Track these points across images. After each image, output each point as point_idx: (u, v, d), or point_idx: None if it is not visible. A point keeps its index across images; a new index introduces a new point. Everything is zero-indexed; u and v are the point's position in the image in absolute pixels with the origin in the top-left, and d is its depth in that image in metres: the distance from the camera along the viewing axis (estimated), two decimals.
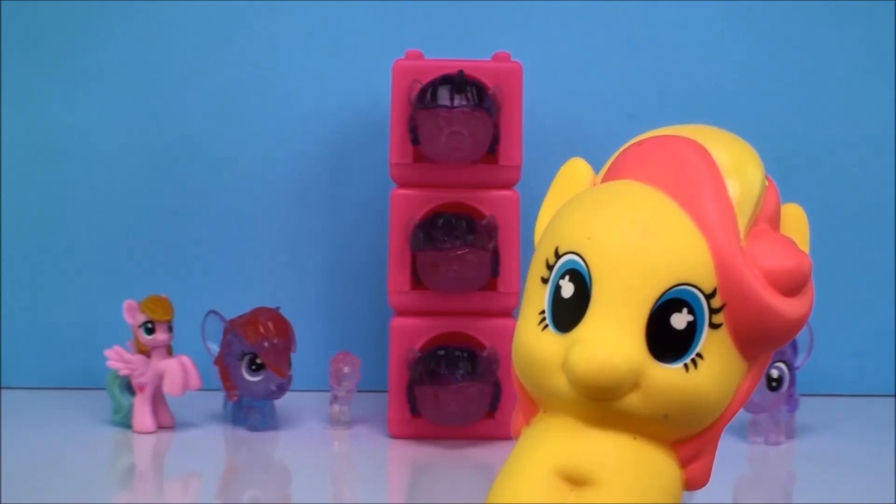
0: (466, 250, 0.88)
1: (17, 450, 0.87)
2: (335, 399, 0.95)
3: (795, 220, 0.57)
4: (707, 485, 0.55)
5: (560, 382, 0.52)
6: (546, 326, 0.53)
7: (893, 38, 1.08)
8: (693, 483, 0.54)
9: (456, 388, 0.87)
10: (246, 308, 0.95)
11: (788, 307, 0.52)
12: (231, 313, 0.95)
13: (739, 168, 0.53)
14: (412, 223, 0.90)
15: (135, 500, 0.81)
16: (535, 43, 1.06)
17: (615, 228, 0.52)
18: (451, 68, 0.89)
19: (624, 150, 0.57)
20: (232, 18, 1.06)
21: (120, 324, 0.93)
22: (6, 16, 1.05)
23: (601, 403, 0.51)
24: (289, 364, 0.94)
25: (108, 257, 1.07)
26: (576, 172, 0.58)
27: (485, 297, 0.91)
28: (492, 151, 0.90)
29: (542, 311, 0.53)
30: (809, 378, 1.01)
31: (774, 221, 0.55)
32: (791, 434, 0.94)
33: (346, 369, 0.94)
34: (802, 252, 0.53)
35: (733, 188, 0.53)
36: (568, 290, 0.52)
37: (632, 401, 0.51)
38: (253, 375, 0.93)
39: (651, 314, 0.51)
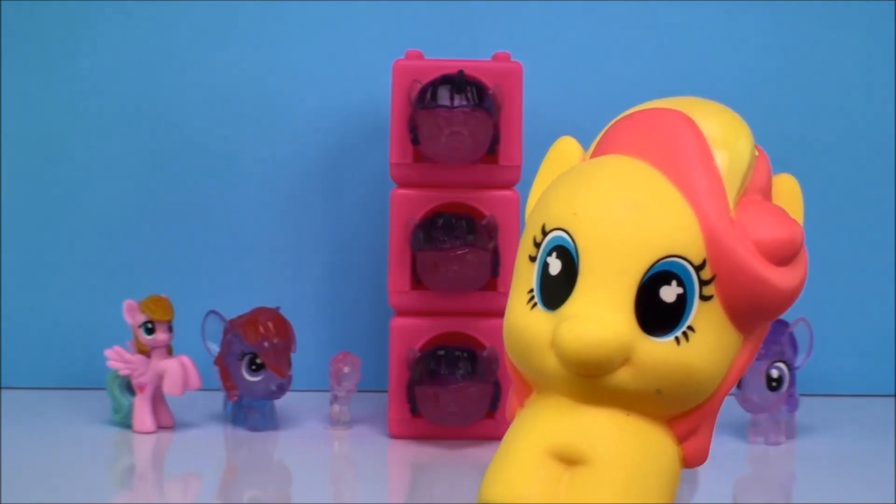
0: (466, 250, 0.88)
1: (17, 450, 0.87)
2: (335, 399, 0.95)
3: (788, 191, 0.56)
4: (706, 462, 0.54)
5: (550, 361, 0.51)
6: (535, 305, 0.52)
7: (893, 38, 1.08)
8: (691, 460, 0.53)
9: (456, 388, 0.87)
10: (246, 308, 0.95)
11: (780, 277, 0.52)
12: (231, 313, 0.95)
13: (727, 138, 0.53)
14: (412, 223, 0.90)
15: (135, 500, 0.81)
16: (535, 43, 1.06)
17: (601, 202, 0.51)
18: (451, 68, 0.89)
19: (611, 125, 0.56)
20: (232, 18, 1.06)
21: (120, 324, 0.93)
22: (6, 16, 1.05)
23: (592, 380, 0.50)
24: (289, 364, 0.94)
25: (108, 257, 1.07)
26: (565, 150, 0.58)
27: (485, 297, 0.91)
28: (492, 151, 0.90)
29: (531, 290, 0.53)
30: (809, 378, 1.01)
31: (766, 192, 0.55)
32: (791, 434, 0.94)
33: (346, 369, 0.94)
34: (794, 221, 0.53)
35: (721, 158, 0.52)
36: (555, 266, 0.52)
37: (623, 376, 0.50)
38: (253, 375, 0.93)
39: (640, 288, 0.50)
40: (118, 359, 0.93)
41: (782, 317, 0.92)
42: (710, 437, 0.54)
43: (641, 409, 0.51)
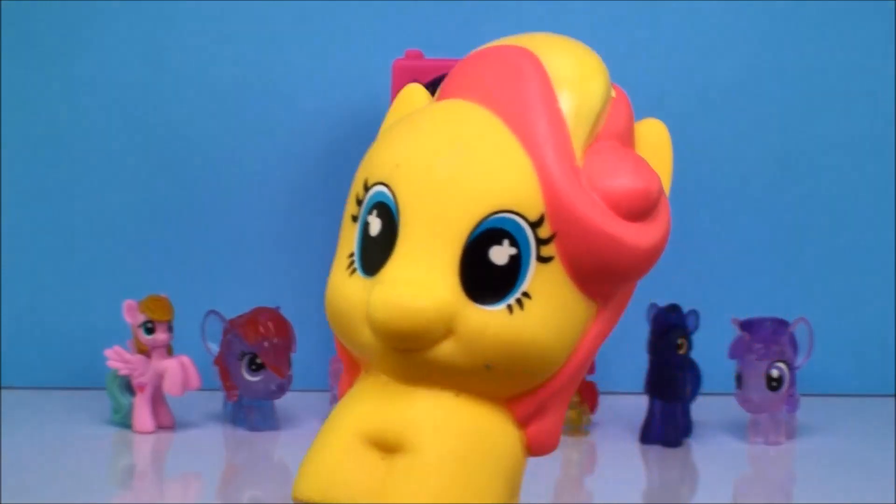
0: None
1: (17, 450, 0.87)
2: (335, 399, 0.95)
3: (654, 138, 0.49)
4: (556, 449, 0.47)
5: (367, 333, 0.45)
6: (354, 271, 0.46)
7: (893, 38, 1.08)
8: (537, 447, 0.46)
9: None
10: (246, 308, 0.95)
11: (633, 234, 0.44)
12: (231, 313, 0.95)
13: (576, 77, 0.47)
14: None
15: (135, 500, 0.81)
16: None
17: (424, 152, 0.45)
18: (451, 68, 0.89)
19: (454, 68, 0.50)
20: (231, 19, 1.06)
21: (120, 324, 0.93)
22: (6, 16, 1.05)
23: (411, 355, 0.44)
24: (289, 364, 0.94)
25: (108, 257, 1.07)
26: (409, 98, 0.51)
27: None
28: None
29: (352, 254, 0.47)
30: (809, 378, 1.01)
31: (626, 138, 0.48)
32: (791, 434, 0.94)
33: None
34: (650, 170, 0.45)
35: (568, 100, 0.45)
36: (376, 226, 0.46)
37: (445, 350, 0.43)
38: (253, 375, 0.93)
39: (466, 248, 0.43)
40: (118, 359, 0.93)
41: (782, 317, 0.93)
42: (561, 420, 0.46)
43: (473, 387, 0.44)
